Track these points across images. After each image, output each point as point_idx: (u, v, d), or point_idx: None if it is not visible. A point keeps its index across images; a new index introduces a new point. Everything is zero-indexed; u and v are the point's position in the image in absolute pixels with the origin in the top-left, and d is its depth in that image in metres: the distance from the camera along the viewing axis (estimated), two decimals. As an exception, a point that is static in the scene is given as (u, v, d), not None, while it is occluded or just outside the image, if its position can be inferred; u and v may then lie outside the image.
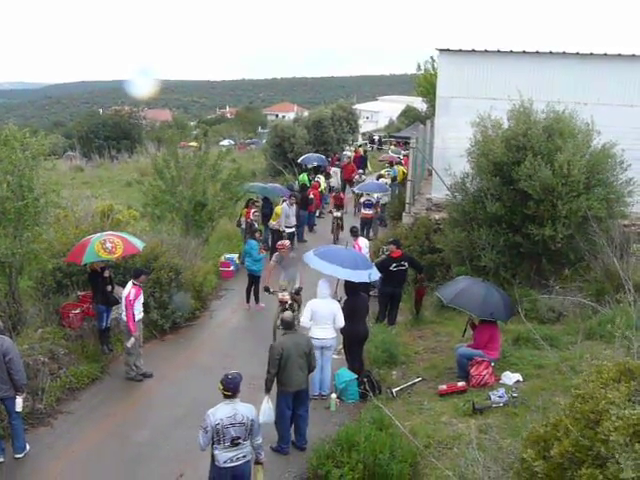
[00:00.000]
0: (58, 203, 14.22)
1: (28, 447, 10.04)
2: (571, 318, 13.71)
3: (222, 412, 7.49)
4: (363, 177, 29.68)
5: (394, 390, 11.60)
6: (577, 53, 18.14)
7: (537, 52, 18.46)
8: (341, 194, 26.74)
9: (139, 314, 12.43)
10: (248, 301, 16.98)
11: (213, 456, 7.54)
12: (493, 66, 18.66)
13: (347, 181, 31.48)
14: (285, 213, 20.90)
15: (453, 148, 17.18)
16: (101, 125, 65.12)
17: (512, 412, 9.89)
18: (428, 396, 11.39)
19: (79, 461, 9.95)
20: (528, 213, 14.26)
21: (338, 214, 23.89)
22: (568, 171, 13.80)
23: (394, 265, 14.57)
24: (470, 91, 18.05)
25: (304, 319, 11.69)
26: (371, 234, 22.93)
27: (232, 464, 7.56)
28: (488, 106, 15.39)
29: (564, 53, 18.23)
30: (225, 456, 7.48)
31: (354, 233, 17.23)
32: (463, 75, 18.94)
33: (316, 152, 34.18)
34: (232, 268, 19.60)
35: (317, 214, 27.14)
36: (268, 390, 9.91)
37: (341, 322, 11.76)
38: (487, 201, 14.55)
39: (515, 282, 14.48)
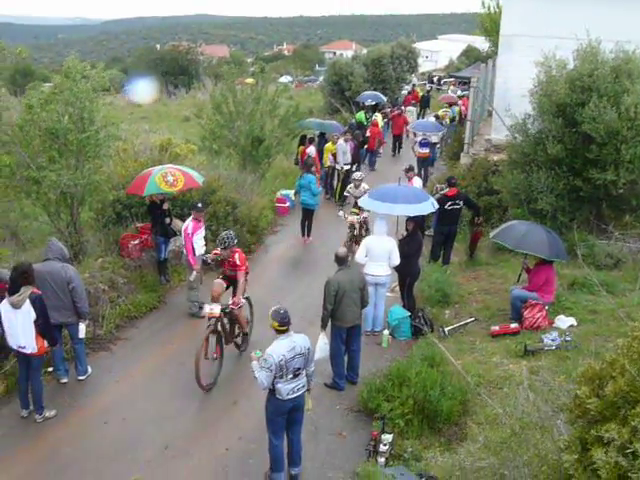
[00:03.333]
0: (118, 136, 14.38)
1: (90, 370, 10.47)
2: (629, 265, 13.51)
3: (282, 348, 7.53)
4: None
5: (446, 329, 11.66)
6: (652, -12, 17.29)
7: (608, -12, 17.69)
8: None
9: (200, 248, 12.52)
10: (303, 235, 17.14)
11: (274, 390, 7.63)
12: (560, 3, 17.89)
13: (397, 137, 28.97)
14: (341, 150, 20.78)
15: (515, 88, 16.76)
16: (159, 61, 65.32)
17: (564, 355, 9.84)
18: (480, 336, 11.43)
19: (137, 384, 10.32)
20: (590, 157, 13.91)
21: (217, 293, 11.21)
22: (635, 114, 13.40)
23: (449, 204, 14.47)
24: (535, 29, 17.36)
25: (359, 255, 11.75)
26: (429, 173, 22.75)
27: (294, 395, 7.69)
28: (553, 45, 14.87)
29: (637, -11, 17.41)
30: (288, 388, 7.59)
31: (409, 170, 17.04)
32: (528, 12, 18.25)
33: (374, 90, 33.72)
34: (288, 204, 19.69)
35: (379, 153, 26.93)
36: (324, 326, 10.04)
37: (396, 260, 11.79)
38: (548, 143, 14.23)
39: (573, 226, 14.26)
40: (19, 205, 15.43)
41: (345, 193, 17.02)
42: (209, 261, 11.54)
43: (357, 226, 15.50)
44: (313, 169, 17.67)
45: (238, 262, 10.90)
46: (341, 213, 15.91)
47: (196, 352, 9.81)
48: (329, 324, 10.15)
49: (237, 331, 11.26)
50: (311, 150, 20.76)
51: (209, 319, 10.29)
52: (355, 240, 15.28)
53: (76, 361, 10.37)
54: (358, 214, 15.69)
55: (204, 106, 25.61)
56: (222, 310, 10.42)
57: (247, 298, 11.44)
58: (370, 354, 11.04)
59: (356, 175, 16.88)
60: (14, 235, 15.15)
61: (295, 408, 7.86)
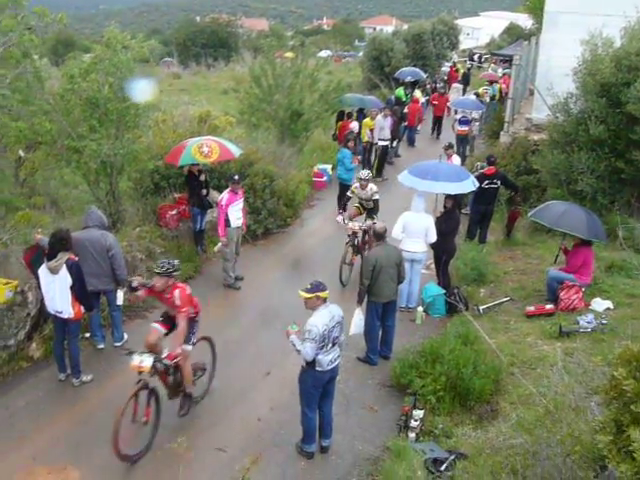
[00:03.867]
0: (157, 106, 14.46)
1: (126, 337, 10.63)
2: (670, 249, 13.28)
3: (324, 318, 7.61)
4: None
5: (481, 308, 11.60)
6: None
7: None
8: None
9: (236, 221, 12.55)
10: (339, 209, 17.09)
11: (314, 363, 7.67)
12: (609, -23, 17.40)
13: (437, 118, 27.19)
14: (379, 125, 20.65)
15: (558, 67, 16.43)
16: (198, 33, 65.34)
17: (599, 338, 9.76)
18: (515, 316, 11.36)
19: (172, 353, 10.43)
20: (634, 138, 13.61)
21: None
22: (683, 95, 13.09)
23: (486, 182, 14.30)
24: (581, 6, 16.92)
25: (395, 231, 11.68)
26: (467, 151, 22.53)
27: (332, 365, 7.78)
28: (600, 23, 14.55)
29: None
30: (327, 359, 7.67)
31: (448, 148, 16.85)
32: (575, -12, 17.85)
33: (414, 66, 33.39)
34: (325, 179, 19.69)
35: (418, 129, 26.69)
36: (360, 301, 10.05)
37: (433, 237, 11.75)
38: (590, 123, 13.98)
39: (613, 209, 14.05)
40: (59, 173, 15.66)
41: (349, 193, 14.20)
42: (134, 285, 8.68)
43: (360, 234, 13.37)
44: (350, 144, 17.57)
45: (178, 302, 8.23)
46: (340, 218, 13.83)
47: (117, 412, 7.64)
48: (364, 299, 10.16)
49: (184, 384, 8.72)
50: (354, 125, 20.74)
51: (139, 373, 7.94)
52: (356, 250, 13.37)
53: (113, 328, 10.56)
54: (361, 213, 13.99)
55: (243, 79, 25.60)
56: (156, 362, 8.02)
57: (207, 338, 9.39)
58: (404, 330, 11.04)
59: (362, 174, 13.67)
60: (54, 203, 15.38)
61: (330, 379, 7.95)
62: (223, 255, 12.71)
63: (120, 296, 10.25)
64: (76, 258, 9.12)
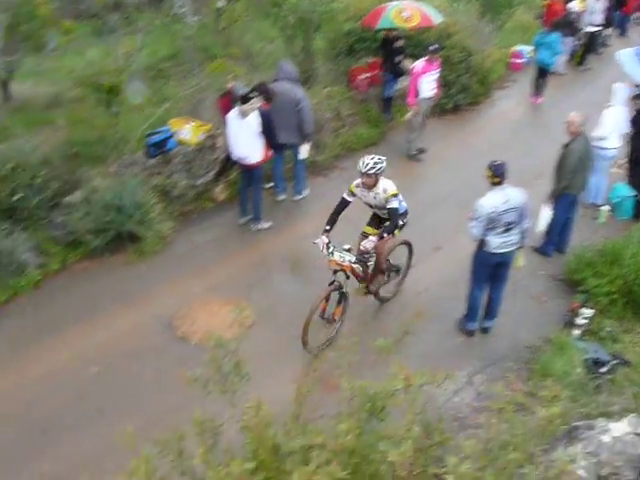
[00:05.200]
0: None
1: (307, 192, 11.00)
2: None
3: (495, 200, 7.43)
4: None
5: (673, 215, 10.86)
6: None
7: None
8: None
9: (428, 91, 12.29)
10: (534, 95, 16.24)
11: (483, 242, 7.63)
12: None
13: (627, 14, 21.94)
14: (590, 8, 18.89)
15: None
16: None
17: None
18: None
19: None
20: None
21: None
22: None
23: None
24: None
25: (604, 128, 10.84)
26: None
27: (503, 250, 7.65)
28: None
29: None
30: (497, 242, 7.56)
31: None
32: None
33: None
34: (523, 60, 18.60)
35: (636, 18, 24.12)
36: (555, 195, 9.57)
37: (627, 128, 10.95)
38: None
39: None
40: (257, 26, 15.89)
41: (347, 197, 7.91)
42: None
43: (348, 272, 7.82)
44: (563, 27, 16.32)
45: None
46: (323, 240, 7.63)
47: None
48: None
49: None
50: (573, 5, 18.98)
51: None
52: (345, 297, 7.97)
53: (295, 181, 10.91)
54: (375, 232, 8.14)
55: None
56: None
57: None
58: (584, 227, 10.61)
59: (363, 163, 7.53)
60: (248, 56, 15.66)
61: (502, 264, 7.85)
62: (410, 125, 12.58)
63: (305, 150, 10.48)
64: (268, 107, 9.37)
